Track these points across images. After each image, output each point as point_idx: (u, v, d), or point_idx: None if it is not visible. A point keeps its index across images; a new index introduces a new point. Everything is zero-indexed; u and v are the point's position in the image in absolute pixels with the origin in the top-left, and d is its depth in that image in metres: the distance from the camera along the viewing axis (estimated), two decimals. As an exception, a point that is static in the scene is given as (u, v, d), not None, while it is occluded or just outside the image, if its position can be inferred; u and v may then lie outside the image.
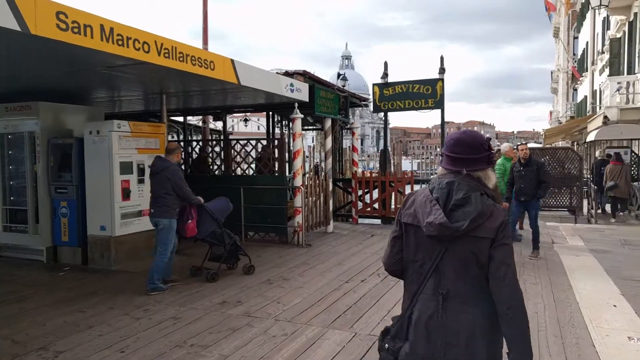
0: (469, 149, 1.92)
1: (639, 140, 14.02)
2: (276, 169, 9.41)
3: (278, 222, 8.49)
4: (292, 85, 8.12)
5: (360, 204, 11.20)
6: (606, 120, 13.31)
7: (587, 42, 31.03)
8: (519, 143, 7.75)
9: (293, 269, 6.72)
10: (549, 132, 20.49)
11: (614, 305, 5.33)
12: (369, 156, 68.94)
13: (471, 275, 1.84)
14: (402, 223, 1.98)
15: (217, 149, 11.49)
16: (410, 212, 1.95)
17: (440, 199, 1.86)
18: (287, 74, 8.78)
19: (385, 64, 11.09)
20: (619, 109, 13.63)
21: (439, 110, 10.75)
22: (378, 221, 11.26)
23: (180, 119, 13.41)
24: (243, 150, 9.53)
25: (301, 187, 8.38)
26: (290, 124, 10.22)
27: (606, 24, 23.13)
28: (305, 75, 8.90)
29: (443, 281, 1.86)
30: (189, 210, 5.85)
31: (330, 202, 9.89)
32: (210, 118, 13.26)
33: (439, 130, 12.02)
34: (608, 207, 13.73)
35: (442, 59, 10.66)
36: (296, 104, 8.53)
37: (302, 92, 8.43)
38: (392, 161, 13.43)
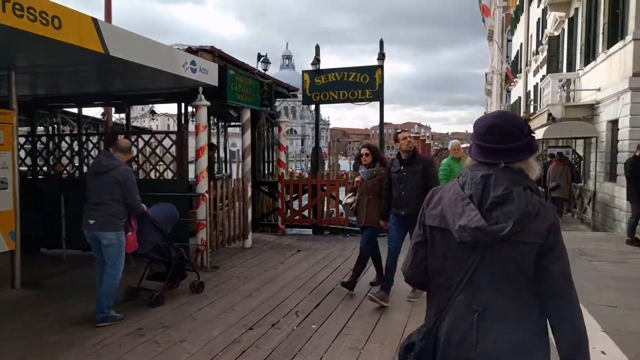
0: (505, 136, 1.57)
1: (584, 139, 13.40)
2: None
3: (177, 238, 6.64)
4: (194, 63, 6.31)
5: (288, 212, 9.58)
6: (552, 118, 12.55)
7: (521, 44, 31.49)
8: (398, 130, 5.70)
9: (182, 309, 4.93)
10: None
11: (603, 352, 4.06)
12: (307, 156, 67.58)
13: (513, 289, 1.51)
14: (427, 226, 1.67)
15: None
16: (436, 212, 1.63)
17: (474, 197, 1.54)
18: (190, 50, 6.98)
19: (317, 48, 9.53)
20: (563, 106, 12.93)
21: (382, 106, 9.35)
22: (309, 231, 9.71)
23: (86, 110, 11.22)
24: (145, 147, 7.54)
25: (205, 194, 6.59)
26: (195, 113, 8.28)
27: (541, 24, 23.06)
28: (213, 53, 7.13)
29: (478, 295, 1.53)
30: (128, 219, 4.74)
31: (249, 210, 8.18)
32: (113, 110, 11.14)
33: (378, 132, 10.67)
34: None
35: (381, 42, 9.25)
36: (201, 89, 6.75)
37: (208, 73, 6.65)
38: (326, 161, 11.89)
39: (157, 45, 5.84)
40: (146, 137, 7.92)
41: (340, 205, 9.56)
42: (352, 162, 7.11)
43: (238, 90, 7.77)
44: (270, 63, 8.65)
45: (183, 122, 10.31)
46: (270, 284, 5.84)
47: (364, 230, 5.46)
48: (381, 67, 9.07)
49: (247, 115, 8.22)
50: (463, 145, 8.12)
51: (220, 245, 7.55)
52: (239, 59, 8.38)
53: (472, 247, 1.53)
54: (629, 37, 10.01)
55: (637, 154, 8.61)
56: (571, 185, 13.22)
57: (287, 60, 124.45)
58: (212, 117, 12.28)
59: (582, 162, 13.76)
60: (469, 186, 1.57)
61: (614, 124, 11.15)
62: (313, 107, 10.83)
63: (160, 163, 7.80)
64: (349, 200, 5.59)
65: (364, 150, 5.46)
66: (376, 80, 9.05)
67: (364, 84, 9.14)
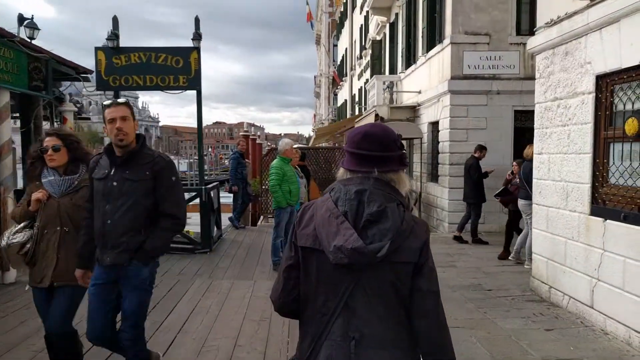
0: (380, 145, 1.54)
1: (409, 140, 13.78)
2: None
3: None
4: None
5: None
6: (380, 118, 12.56)
7: (346, 49, 32.85)
8: (107, 103, 2.83)
9: None
10: (320, 131, 19.76)
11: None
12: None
13: (390, 312, 1.47)
14: (299, 247, 1.55)
15: None
16: (308, 231, 1.52)
17: (349, 214, 1.47)
18: None
19: (115, 20, 7.53)
20: (388, 107, 13.10)
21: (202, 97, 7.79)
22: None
23: None
24: None
25: None
26: None
27: (364, 30, 24.04)
28: None
29: (354, 321, 1.47)
30: None
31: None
32: None
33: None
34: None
35: (197, 20, 7.72)
36: None
37: None
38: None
39: None
40: None
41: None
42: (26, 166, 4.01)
43: (-15, 63, 5.48)
44: (39, 29, 6.38)
45: None
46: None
47: (50, 293, 2.94)
48: (197, 49, 7.55)
49: (4, 98, 5.91)
50: (295, 146, 7.17)
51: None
52: (45, 48, 6.04)
53: (347, 269, 1.45)
54: (446, 41, 10.29)
55: (475, 154, 8.74)
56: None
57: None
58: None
59: (405, 162, 14.17)
60: (342, 202, 1.49)
61: (434, 125, 11.50)
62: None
63: None
64: (18, 239, 2.94)
65: (49, 141, 2.98)
66: (192, 65, 7.50)
67: (176, 69, 7.50)
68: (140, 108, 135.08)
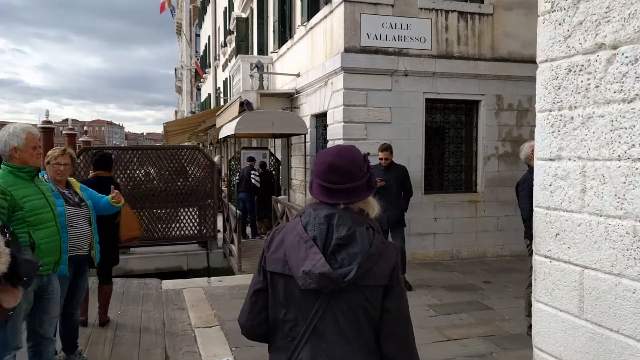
0: (346, 176, 1.49)
1: (288, 138, 10.63)
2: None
3: None
4: None
5: None
6: (245, 102, 9.19)
7: (209, 37, 29.30)
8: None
9: None
10: (169, 126, 15.61)
11: None
12: None
13: (360, 337, 1.44)
14: (268, 272, 1.52)
15: None
16: (278, 257, 1.49)
17: (319, 238, 1.44)
18: None
19: None
20: (258, 94, 9.80)
21: None
22: None
23: None
24: None
25: None
26: None
27: (228, 13, 20.58)
28: None
29: (323, 346, 1.43)
30: None
31: None
32: None
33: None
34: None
35: None
36: None
37: None
38: None
39: None
40: None
41: None
42: None
43: None
44: None
45: None
46: None
47: None
48: None
49: None
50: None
51: None
52: None
53: (316, 294, 1.42)
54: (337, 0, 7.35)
55: (382, 160, 5.83)
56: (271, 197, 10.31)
57: None
58: None
59: (280, 168, 11.04)
60: (312, 227, 1.46)
61: (319, 118, 8.53)
62: None
63: None
64: None
65: None
66: None
67: None
68: None
